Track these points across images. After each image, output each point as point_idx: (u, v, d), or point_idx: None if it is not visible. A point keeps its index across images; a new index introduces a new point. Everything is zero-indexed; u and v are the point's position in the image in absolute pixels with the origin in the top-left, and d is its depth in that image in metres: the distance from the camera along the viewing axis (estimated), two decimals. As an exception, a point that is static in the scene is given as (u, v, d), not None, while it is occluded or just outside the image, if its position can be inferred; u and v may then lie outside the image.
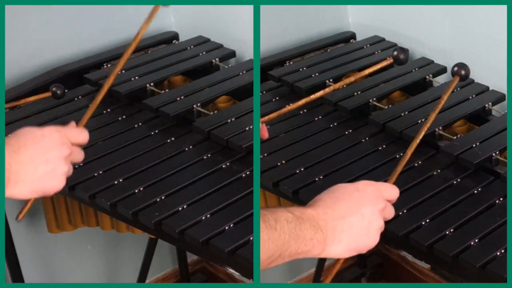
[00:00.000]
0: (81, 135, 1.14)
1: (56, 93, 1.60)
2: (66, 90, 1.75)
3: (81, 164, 1.49)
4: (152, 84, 1.77)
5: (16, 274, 1.81)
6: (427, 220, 1.35)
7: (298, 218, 1.01)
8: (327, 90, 1.27)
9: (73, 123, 1.15)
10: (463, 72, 1.26)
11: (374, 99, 1.73)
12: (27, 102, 1.63)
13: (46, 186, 1.08)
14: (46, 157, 1.08)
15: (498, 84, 1.79)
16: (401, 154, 1.55)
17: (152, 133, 1.62)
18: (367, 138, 1.62)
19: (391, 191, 1.10)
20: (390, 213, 1.10)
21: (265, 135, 1.27)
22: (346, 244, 1.05)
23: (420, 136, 1.21)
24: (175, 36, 2.02)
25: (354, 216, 1.05)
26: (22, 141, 1.07)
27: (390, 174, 1.18)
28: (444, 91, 1.25)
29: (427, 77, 1.86)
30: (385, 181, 1.14)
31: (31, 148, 1.07)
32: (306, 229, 1.01)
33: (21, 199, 1.10)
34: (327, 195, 1.07)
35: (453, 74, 1.27)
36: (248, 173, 1.48)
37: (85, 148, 1.53)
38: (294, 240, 1.00)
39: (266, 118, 1.26)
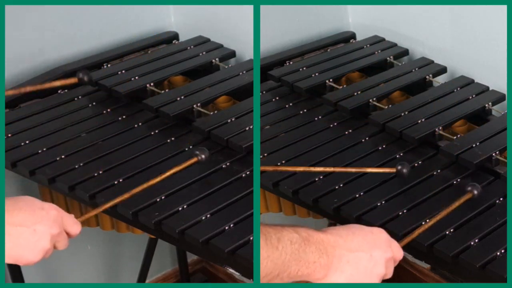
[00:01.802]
0: (75, 226, 1.14)
1: (82, 79, 1.53)
2: (66, 90, 1.78)
3: (81, 164, 1.50)
4: (152, 84, 1.77)
5: (16, 274, 1.80)
6: (427, 220, 1.34)
7: (304, 239, 1.01)
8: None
9: (72, 215, 1.15)
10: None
11: (374, 99, 1.73)
12: (52, 86, 1.55)
13: (21, 255, 1.07)
14: (34, 227, 1.07)
15: (498, 84, 1.78)
16: (401, 154, 1.56)
17: (152, 133, 1.62)
18: (367, 138, 1.62)
19: (399, 250, 1.13)
20: (390, 271, 1.11)
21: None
22: (348, 277, 1.05)
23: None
24: (175, 36, 2.02)
25: (364, 254, 1.07)
26: (19, 205, 1.08)
27: (403, 238, 1.22)
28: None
29: (427, 77, 1.86)
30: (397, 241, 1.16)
31: (25, 214, 1.07)
32: (311, 252, 1.02)
33: None
34: (342, 227, 1.09)
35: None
36: (248, 173, 1.48)
37: (86, 148, 1.55)
38: (295, 261, 1.00)
39: None
